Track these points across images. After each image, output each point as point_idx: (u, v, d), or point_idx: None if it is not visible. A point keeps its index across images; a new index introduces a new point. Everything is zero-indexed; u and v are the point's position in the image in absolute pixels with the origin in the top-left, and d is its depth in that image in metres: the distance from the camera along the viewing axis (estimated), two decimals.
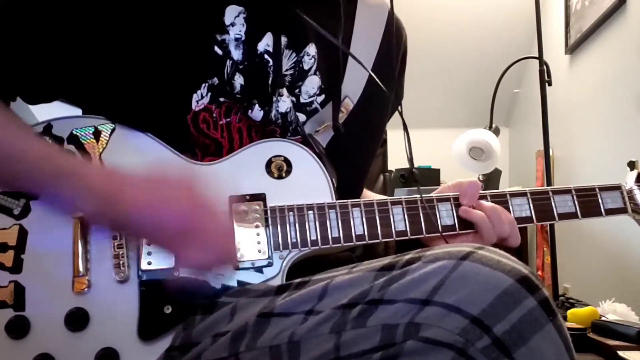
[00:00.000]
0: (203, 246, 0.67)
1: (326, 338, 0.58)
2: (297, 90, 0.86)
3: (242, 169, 0.79)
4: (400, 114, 0.88)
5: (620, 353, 1.31)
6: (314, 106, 0.87)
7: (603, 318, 1.56)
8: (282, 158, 0.80)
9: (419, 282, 0.56)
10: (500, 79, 2.41)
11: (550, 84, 2.19)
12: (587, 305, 1.73)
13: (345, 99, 0.89)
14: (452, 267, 0.56)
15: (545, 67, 2.17)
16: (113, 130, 0.78)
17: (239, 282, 0.75)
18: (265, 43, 0.82)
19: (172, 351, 0.70)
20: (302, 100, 0.86)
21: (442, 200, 0.82)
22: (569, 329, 1.42)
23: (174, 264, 0.73)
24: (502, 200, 0.84)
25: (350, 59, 0.89)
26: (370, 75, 0.90)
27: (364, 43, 0.92)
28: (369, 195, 1.07)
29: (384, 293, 0.57)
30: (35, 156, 0.69)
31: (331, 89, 0.87)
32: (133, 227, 0.70)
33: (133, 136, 0.78)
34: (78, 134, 0.77)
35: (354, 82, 0.89)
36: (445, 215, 0.82)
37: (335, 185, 0.81)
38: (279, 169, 0.79)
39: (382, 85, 0.87)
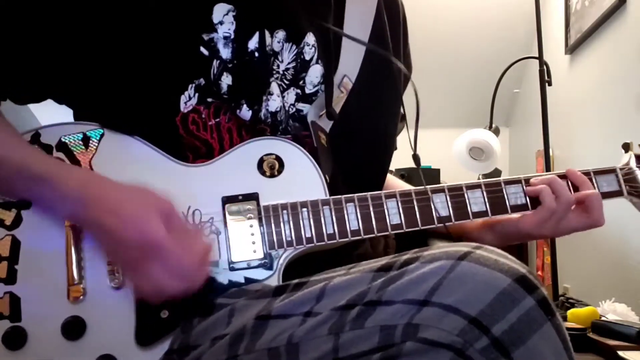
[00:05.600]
0: (158, 278, 0.67)
1: (325, 339, 0.58)
2: (301, 82, 0.85)
3: (234, 169, 0.78)
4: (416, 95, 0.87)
5: (620, 353, 1.31)
6: (319, 95, 0.86)
7: (603, 318, 1.56)
8: (274, 156, 0.79)
9: (417, 282, 0.56)
10: (500, 79, 2.41)
11: (550, 84, 2.19)
12: (587, 305, 1.73)
13: (344, 79, 0.88)
14: (450, 268, 0.56)
15: (545, 67, 2.17)
16: (102, 135, 0.77)
17: (235, 283, 0.74)
18: (256, 41, 0.81)
19: (170, 354, 0.69)
20: (307, 91, 0.85)
21: (436, 191, 0.82)
22: (569, 329, 1.41)
23: None
24: (497, 189, 0.84)
25: (344, 38, 0.88)
26: (366, 51, 0.89)
27: (357, 19, 0.90)
28: (397, 185, 1.04)
29: (382, 294, 0.57)
30: (16, 160, 0.69)
31: (327, 72, 0.86)
32: (100, 237, 0.70)
33: (123, 141, 0.77)
34: (67, 141, 0.77)
35: (351, 60, 0.88)
36: (441, 207, 0.81)
37: (328, 181, 0.80)
38: (271, 167, 0.78)
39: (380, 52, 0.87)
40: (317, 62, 0.86)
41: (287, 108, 0.84)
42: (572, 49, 2.68)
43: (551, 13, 2.97)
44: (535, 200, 0.84)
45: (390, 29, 0.95)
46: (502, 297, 0.53)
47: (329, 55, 0.86)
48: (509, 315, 0.53)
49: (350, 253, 0.86)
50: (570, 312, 1.61)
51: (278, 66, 0.83)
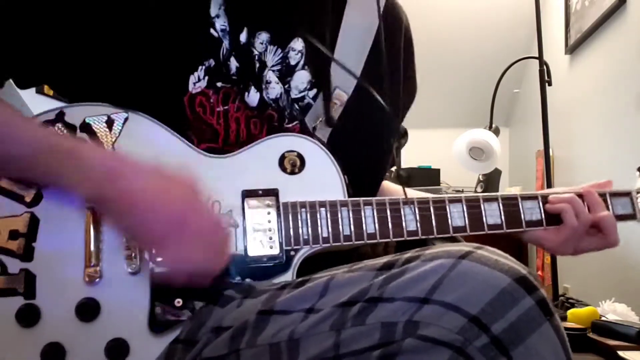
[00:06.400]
0: (189, 249, 0.67)
1: (326, 336, 0.59)
2: (287, 86, 0.85)
3: (255, 163, 0.78)
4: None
5: (620, 353, 1.32)
6: (306, 101, 0.86)
7: (603, 318, 1.56)
8: (296, 154, 0.79)
9: (417, 280, 0.57)
10: (500, 79, 2.41)
11: (550, 84, 2.19)
12: (587, 305, 1.73)
13: (335, 90, 0.88)
14: (451, 266, 0.56)
15: (545, 67, 2.17)
16: (126, 119, 0.77)
17: (249, 276, 0.74)
18: (245, 36, 0.81)
19: (175, 343, 0.70)
20: (292, 96, 0.85)
21: (454, 201, 0.82)
22: (569, 329, 1.42)
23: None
24: (513, 202, 0.85)
25: (337, 48, 0.88)
26: (364, 63, 0.89)
27: (355, 34, 0.90)
28: (391, 189, 1.05)
29: (383, 291, 0.58)
30: (33, 139, 0.68)
31: (320, 81, 0.87)
32: (125, 213, 0.68)
33: (146, 126, 0.77)
34: (91, 122, 0.76)
35: (344, 74, 0.87)
36: (457, 217, 0.82)
37: (347, 182, 0.80)
38: (293, 164, 0.79)
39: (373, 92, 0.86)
40: (303, 68, 0.85)
41: (290, 93, 0.85)
42: (572, 49, 2.69)
43: (551, 13, 2.98)
44: (552, 218, 0.85)
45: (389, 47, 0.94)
46: (502, 296, 0.54)
47: (324, 67, 0.86)
48: (508, 315, 0.53)
49: (350, 254, 0.87)
50: (570, 312, 1.61)
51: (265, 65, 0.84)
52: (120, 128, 0.77)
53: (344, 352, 0.58)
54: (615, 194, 0.88)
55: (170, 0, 0.78)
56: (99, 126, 0.76)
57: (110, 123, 0.77)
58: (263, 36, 0.83)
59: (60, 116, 0.76)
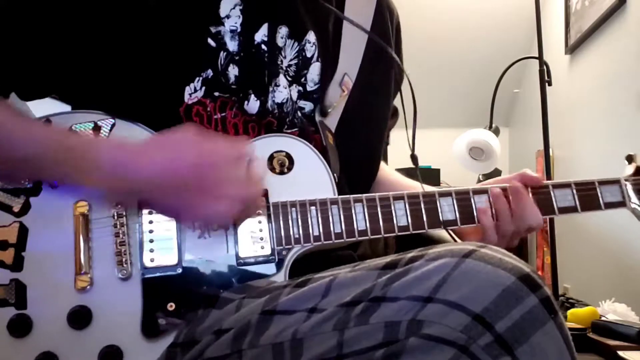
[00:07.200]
0: (224, 194, 0.67)
1: (329, 335, 0.58)
2: (302, 79, 0.86)
3: None
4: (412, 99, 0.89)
5: (620, 353, 1.32)
6: (320, 92, 0.87)
7: (603, 318, 1.56)
8: (284, 153, 0.79)
9: (421, 279, 0.56)
10: (500, 79, 2.41)
11: (550, 84, 2.19)
12: (587, 305, 1.74)
13: (344, 77, 0.89)
14: (455, 265, 0.56)
15: (545, 67, 2.17)
16: (113, 125, 0.77)
17: (241, 277, 0.74)
18: (263, 34, 0.82)
19: (174, 347, 0.70)
20: (308, 89, 0.87)
21: (444, 195, 0.82)
22: (569, 329, 1.41)
23: (176, 261, 0.73)
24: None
25: (343, 38, 0.90)
26: (365, 50, 0.91)
27: (356, 19, 0.91)
28: (390, 174, 1.07)
29: (387, 291, 0.58)
30: (41, 142, 0.68)
31: (327, 62, 0.88)
32: (152, 194, 0.69)
33: (133, 131, 0.77)
34: (78, 130, 0.76)
35: (350, 60, 0.90)
36: (447, 210, 0.81)
37: (337, 180, 0.81)
38: (281, 164, 0.79)
39: (384, 45, 0.88)
40: (317, 60, 0.87)
41: (294, 100, 0.85)
42: (572, 49, 2.69)
43: (551, 13, 2.98)
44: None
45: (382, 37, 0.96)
46: (506, 294, 0.54)
47: (327, 52, 0.88)
48: (512, 313, 0.53)
49: (350, 254, 0.87)
50: (570, 312, 1.62)
51: (281, 61, 0.85)
52: (107, 134, 0.77)
53: (347, 352, 0.57)
54: (604, 182, 0.87)
55: (170, 8, 0.78)
56: (86, 133, 0.76)
57: (97, 129, 0.77)
58: (283, 30, 0.84)
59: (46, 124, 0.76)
